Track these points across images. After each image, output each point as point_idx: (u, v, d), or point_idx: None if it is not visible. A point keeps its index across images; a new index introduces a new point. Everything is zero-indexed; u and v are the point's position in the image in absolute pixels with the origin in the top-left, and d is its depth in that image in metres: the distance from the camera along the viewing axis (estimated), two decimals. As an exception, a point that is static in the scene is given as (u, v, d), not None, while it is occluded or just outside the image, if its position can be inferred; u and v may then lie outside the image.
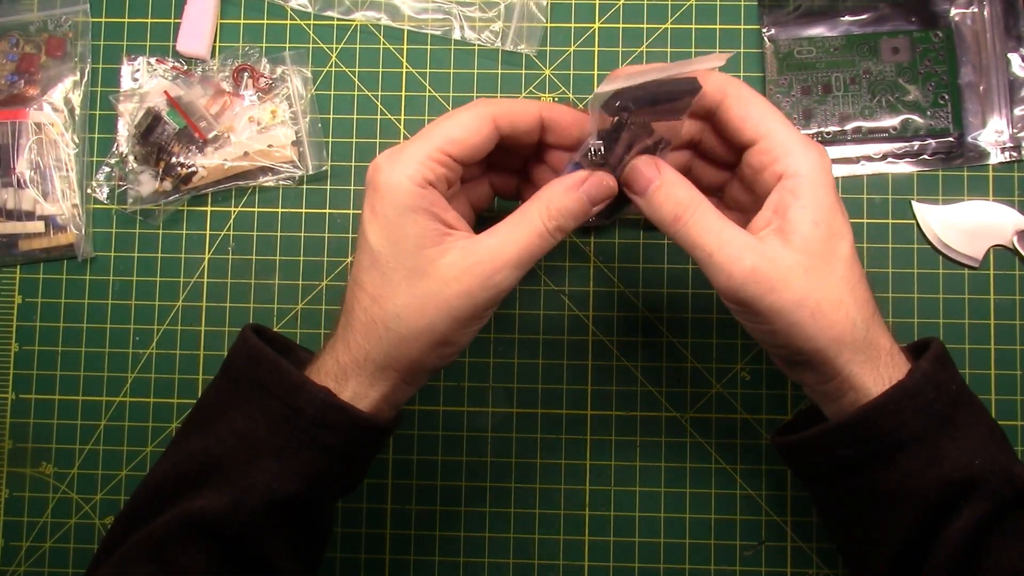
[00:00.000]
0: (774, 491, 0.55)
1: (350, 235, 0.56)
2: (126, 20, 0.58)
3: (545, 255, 0.42)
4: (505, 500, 0.55)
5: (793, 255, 0.40)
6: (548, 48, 0.57)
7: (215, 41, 0.58)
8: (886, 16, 0.56)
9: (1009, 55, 0.55)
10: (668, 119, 0.42)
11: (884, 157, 0.55)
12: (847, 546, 0.45)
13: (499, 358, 0.56)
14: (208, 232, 0.57)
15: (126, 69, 0.58)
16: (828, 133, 0.55)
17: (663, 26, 0.57)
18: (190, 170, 0.55)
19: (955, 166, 0.55)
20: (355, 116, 0.57)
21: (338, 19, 0.58)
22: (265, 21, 0.58)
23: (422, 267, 0.40)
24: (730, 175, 0.46)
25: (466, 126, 0.42)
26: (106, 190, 0.57)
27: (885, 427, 0.40)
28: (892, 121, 0.55)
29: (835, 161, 0.55)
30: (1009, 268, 0.55)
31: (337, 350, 0.42)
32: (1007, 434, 0.42)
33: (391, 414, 0.44)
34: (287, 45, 0.58)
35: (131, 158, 0.56)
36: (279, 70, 0.57)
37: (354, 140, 0.57)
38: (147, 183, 0.56)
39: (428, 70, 0.57)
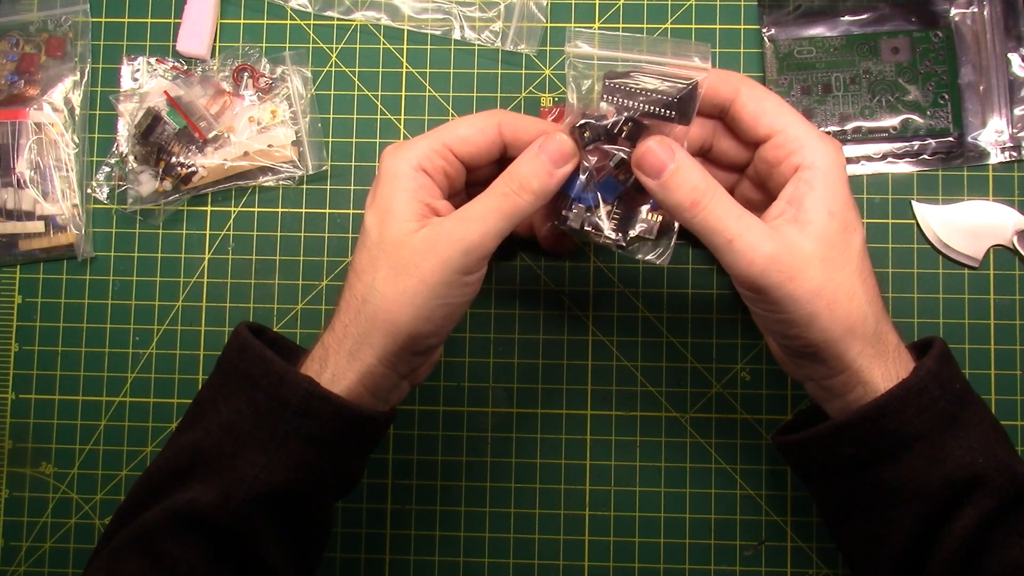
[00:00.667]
0: (774, 491, 0.55)
1: (350, 235, 0.56)
2: (126, 20, 0.58)
3: (524, 228, 0.44)
4: (505, 500, 0.55)
5: (811, 244, 0.40)
6: (548, 48, 0.57)
7: (215, 41, 0.58)
8: (886, 16, 0.55)
9: (1009, 55, 0.55)
10: (670, 125, 0.43)
11: (884, 157, 0.55)
12: (848, 545, 0.45)
13: (499, 358, 0.56)
14: (208, 232, 0.57)
15: (126, 69, 0.58)
16: (828, 133, 0.55)
17: (663, 26, 0.57)
18: (190, 170, 0.55)
19: (955, 166, 0.55)
20: (355, 116, 0.57)
21: (338, 19, 0.58)
22: (265, 21, 0.58)
23: (401, 241, 0.41)
24: (738, 176, 0.47)
25: (473, 126, 0.43)
26: (106, 190, 0.57)
27: (890, 425, 0.40)
28: (892, 121, 0.55)
29: (835, 161, 0.55)
30: (1009, 268, 0.55)
31: (324, 333, 0.43)
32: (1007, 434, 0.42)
33: (373, 403, 0.43)
34: (287, 45, 0.58)
35: (131, 158, 0.56)
36: (279, 70, 0.57)
37: (354, 140, 0.57)
38: (147, 183, 0.56)
39: (428, 70, 0.57)
